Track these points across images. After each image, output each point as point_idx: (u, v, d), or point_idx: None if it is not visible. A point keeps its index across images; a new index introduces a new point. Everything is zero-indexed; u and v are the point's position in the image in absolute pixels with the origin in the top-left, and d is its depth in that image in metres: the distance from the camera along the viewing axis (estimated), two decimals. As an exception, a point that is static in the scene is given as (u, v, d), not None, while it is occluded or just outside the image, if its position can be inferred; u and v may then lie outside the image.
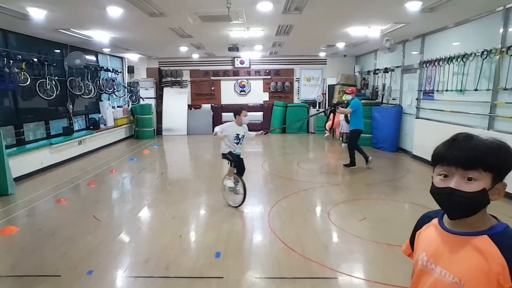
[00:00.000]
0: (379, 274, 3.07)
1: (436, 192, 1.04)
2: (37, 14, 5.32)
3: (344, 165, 7.12)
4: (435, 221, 1.15)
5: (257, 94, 13.22)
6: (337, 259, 3.38)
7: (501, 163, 0.98)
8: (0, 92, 6.52)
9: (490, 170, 0.97)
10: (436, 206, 1.11)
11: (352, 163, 7.02)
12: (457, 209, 1.01)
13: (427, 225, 1.17)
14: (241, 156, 4.86)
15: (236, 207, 4.79)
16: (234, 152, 4.74)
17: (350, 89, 7.55)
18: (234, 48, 9.11)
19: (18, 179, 6.16)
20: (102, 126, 9.89)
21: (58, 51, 8.39)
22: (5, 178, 5.41)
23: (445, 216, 1.10)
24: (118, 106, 11.37)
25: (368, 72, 11.32)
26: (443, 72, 6.84)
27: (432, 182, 1.06)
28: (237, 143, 4.78)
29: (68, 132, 8.31)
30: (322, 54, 12.02)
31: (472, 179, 0.97)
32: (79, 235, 3.97)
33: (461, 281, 0.99)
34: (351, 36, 7.97)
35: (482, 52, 5.62)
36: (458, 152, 0.98)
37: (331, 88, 12.57)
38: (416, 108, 8.00)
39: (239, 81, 13.18)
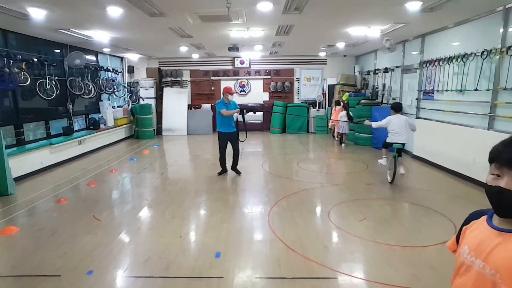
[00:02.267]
0: (379, 274, 3.07)
1: (487, 190, 1.09)
2: (37, 14, 5.33)
3: (218, 173, 6.63)
4: (483, 218, 1.17)
5: (257, 94, 13.22)
6: (337, 259, 3.38)
7: None
8: (0, 92, 6.52)
9: None
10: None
11: (224, 168, 6.63)
12: (505, 207, 1.04)
13: (474, 222, 1.20)
14: None
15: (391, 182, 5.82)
16: None
17: (232, 91, 6.51)
18: (234, 48, 9.11)
19: (18, 179, 6.16)
20: (102, 126, 9.89)
21: (58, 51, 8.39)
22: (5, 178, 5.40)
23: (495, 215, 1.13)
24: (118, 106, 11.38)
25: (368, 72, 11.31)
26: (443, 72, 6.84)
27: (486, 181, 1.11)
28: None
29: (68, 132, 8.31)
30: (322, 54, 12.02)
31: None
32: (79, 235, 3.97)
33: (496, 274, 1.01)
34: (351, 36, 7.97)
35: (482, 52, 5.62)
36: None
37: (331, 88, 12.58)
38: (416, 108, 8.00)
39: (239, 81, 13.18)
